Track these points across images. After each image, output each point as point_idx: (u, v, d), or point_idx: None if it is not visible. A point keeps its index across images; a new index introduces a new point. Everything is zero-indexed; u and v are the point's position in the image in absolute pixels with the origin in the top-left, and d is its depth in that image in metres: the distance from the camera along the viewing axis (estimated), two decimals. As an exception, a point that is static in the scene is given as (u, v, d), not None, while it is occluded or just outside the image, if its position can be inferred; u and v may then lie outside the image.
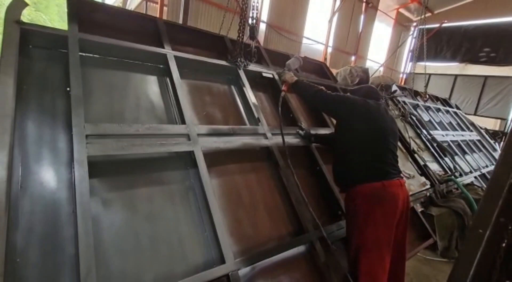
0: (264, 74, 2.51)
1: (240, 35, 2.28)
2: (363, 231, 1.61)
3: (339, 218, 2.02)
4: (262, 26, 7.69)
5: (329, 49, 10.02)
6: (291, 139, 2.16)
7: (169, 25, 2.19)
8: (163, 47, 1.95)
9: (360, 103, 1.77)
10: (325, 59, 9.02)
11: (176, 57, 1.94)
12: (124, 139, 1.36)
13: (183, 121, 1.68)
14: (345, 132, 1.77)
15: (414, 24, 13.04)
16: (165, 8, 6.58)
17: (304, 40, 9.00)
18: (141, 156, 1.43)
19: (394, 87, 4.69)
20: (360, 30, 11.11)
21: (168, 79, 1.91)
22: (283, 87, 2.13)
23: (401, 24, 12.90)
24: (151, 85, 1.84)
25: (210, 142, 1.67)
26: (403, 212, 1.69)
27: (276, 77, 2.58)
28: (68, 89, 1.42)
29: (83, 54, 1.64)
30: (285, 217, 1.79)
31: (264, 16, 7.86)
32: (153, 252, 1.26)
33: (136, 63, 1.85)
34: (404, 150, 3.45)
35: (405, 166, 3.25)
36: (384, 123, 1.76)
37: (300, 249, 1.70)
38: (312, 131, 2.39)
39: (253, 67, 2.45)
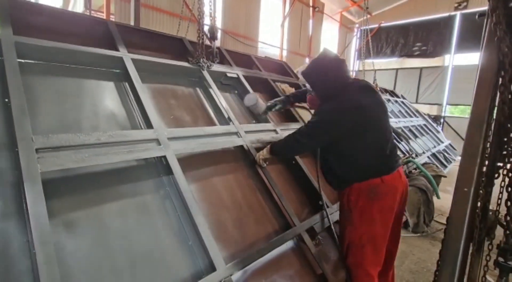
0: (228, 75, 2.46)
1: (200, 35, 2.20)
2: (357, 227, 1.56)
3: (320, 207, 2.03)
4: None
5: (284, 52, 10.36)
6: (264, 136, 2.13)
7: (121, 27, 2.04)
8: (118, 50, 1.79)
9: (347, 111, 1.51)
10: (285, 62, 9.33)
11: (134, 60, 1.79)
12: (84, 150, 1.19)
13: (149, 126, 1.54)
14: (343, 143, 1.57)
15: (357, 25, 14.15)
16: (111, 18, 6.20)
17: (260, 45, 9.17)
18: (106, 166, 1.27)
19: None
20: (310, 33, 11.69)
21: (127, 84, 1.76)
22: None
23: (346, 26, 13.90)
24: (109, 91, 1.67)
25: (182, 145, 1.56)
26: (401, 203, 1.63)
27: (241, 76, 2.55)
28: (6, 100, 1.21)
29: (23, 60, 1.43)
30: (269, 214, 1.73)
31: (219, 23, 7.84)
32: (132, 273, 1.11)
33: (88, 69, 1.67)
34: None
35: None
36: (378, 115, 1.56)
37: (289, 244, 1.66)
38: (284, 127, 2.39)
39: (216, 68, 2.38)
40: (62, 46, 1.51)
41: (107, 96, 1.64)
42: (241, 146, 1.93)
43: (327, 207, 1.99)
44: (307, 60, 11.14)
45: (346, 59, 15.12)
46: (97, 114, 1.51)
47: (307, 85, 1.96)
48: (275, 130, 2.27)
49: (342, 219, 1.71)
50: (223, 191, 1.65)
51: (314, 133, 1.59)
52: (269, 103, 2.32)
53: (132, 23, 5.67)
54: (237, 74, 2.54)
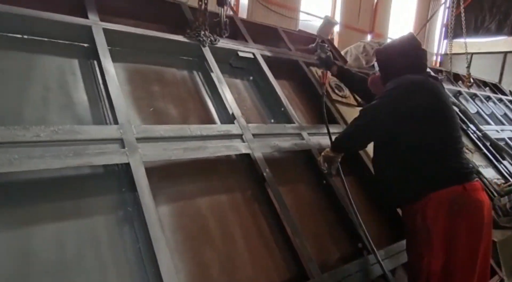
0: (241, 54, 2.38)
1: (203, -3, 2.14)
2: (438, 254, 1.57)
3: (359, 252, 1.85)
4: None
5: (336, 27, 10.10)
6: (282, 142, 2.00)
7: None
8: (87, 18, 1.80)
9: (418, 88, 1.72)
10: (332, 39, 9.06)
11: (106, 31, 1.79)
12: (14, 150, 1.17)
13: (116, 121, 1.51)
14: (406, 139, 1.71)
15: (446, -11, 13.38)
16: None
17: (302, 16, 9.03)
18: (43, 173, 1.24)
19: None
20: (375, 1, 11.26)
21: (96, 62, 1.76)
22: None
23: (429, -9, 13.24)
24: (70, 72, 1.68)
25: (157, 149, 1.50)
26: (488, 226, 1.66)
27: (259, 57, 2.46)
28: None
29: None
30: (276, 255, 1.61)
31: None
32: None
33: (44, 41, 1.70)
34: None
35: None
36: (451, 108, 1.76)
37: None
38: (314, 130, 2.26)
39: (224, 43, 2.32)
40: (11, 11, 1.54)
41: (66, 78, 1.65)
42: (247, 154, 1.83)
43: (370, 252, 1.80)
44: (369, 38, 10.74)
45: (429, 39, 14.37)
46: (48, 103, 1.51)
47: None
48: (299, 135, 2.14)
49: (414, 245, 1.72)
50: (210, 217, 1.56)
51: (378, 109, 1.73)
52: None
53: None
54: (253, 54, 2.45)
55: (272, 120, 2.32)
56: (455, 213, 1.56)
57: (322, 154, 1.98)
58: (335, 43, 9.28)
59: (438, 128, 1.66)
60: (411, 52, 1.85)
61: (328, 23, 2.67)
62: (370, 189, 2.28)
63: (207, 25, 2.22)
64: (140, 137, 1.48)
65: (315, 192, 2.03)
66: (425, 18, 12.92)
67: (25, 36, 1.65)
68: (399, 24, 12.82)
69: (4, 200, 1.15)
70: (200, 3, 2.17)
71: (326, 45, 2.60)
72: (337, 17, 9.98)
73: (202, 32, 2.18)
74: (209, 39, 2.21)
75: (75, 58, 1.74)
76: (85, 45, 1.80)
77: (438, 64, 13.51)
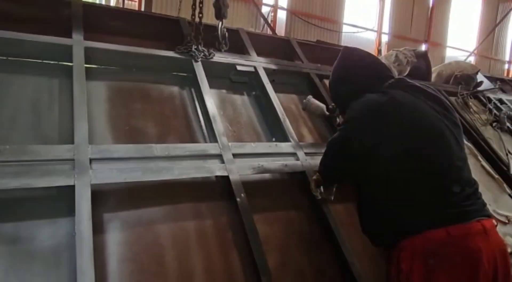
0: (239, 68, 2.25)
1: (198, 5, 2.06)
2: None
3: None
4: (282, 14, 7.62)
5: (385, 37, 9.56)
6: (270, 163, 1.80)
7: (94, 9, 2.12)
8: (71, 37, 1.81)
9: (373, 108, 1.38)
10: (379, 51, 8.53)
11: (87, 49, 1.79)
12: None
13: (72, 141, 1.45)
14: (375, 172, 1.40)
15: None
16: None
17: (345, 28, 8.70)
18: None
19: (479, 77, 4.12)
20: (430, 6, 10.50)
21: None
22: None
23: (496, -7, 12.05)
24: (47, 92, 1.70)
25: (112, 171, 1.41)
26: (495, 280, 1.27)
27: (261, 71, 2.30)
28: None
29: None
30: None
31: (283, 1, 7.82)
32: None
33: (27, 62, 1.75)
34: (496, 175, 2.83)
35: (498, 202, 2.63)
36: (435, 125, 1.36)
37: None
38: (313, 150, 2.02)
39: (221, 58, 2.21)
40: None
41: (41, 99, 1.66)
42: (225, 177, 1.66)
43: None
44: (424, 48, 9.98)
45: (498, 45, 13.03)
46: (15, 122, 1.51)
47: None
48: (294, 154, 1.92)
49: None
50: (168, 247, 1.41)
51: (330, 149, 1.57)
52: (330, 106, 2.11)
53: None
54: (255, 67, 2.30)
55: (274, 139, 2.13)
56: (434, 268, 1.22)
57: (314, 177, 1.74)
58: (383, 54, 8.78)
59: (407, 160, 1.31)
60: (354, 68, 1.56)
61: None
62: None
63: (201, 39, 2.13)
64: (95, 158, 1.41)
65: (307, 220, 1.78)
66: (493, 22, 11.72)
67: (14, 59, 1.71)
68: (460, 31, 11.78)
69: None
70: (193, 17, 2.11)
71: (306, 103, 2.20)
72: (385, 27, 9.46)
73: (194, 47, 2.10)
74: (202, 53, 2.12)
75: (56, 78, 1.76)
76: (67, 64, 1.80)
77: (510, 73, 12.12)
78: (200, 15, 2.10)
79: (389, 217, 1.36)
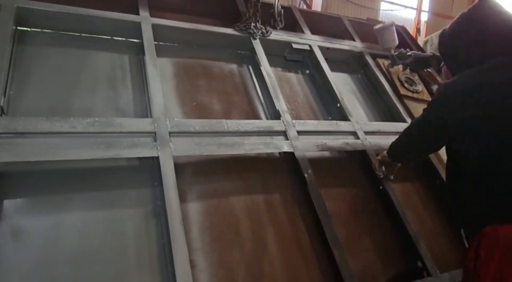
0: (295, 46, 2.25)
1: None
2: None
3: (417, 273, 1.58)
4: (318, -8, 7.42)
5: (424, 16, 9.14)
6: (332, 141, 1.82)
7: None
8: (138, 14, 1.86)
9: (478, 86, 1.28)
10: (418, 30, 8.19)
11: (155, 26, 1.83)
12: (51, 140, 1.24)
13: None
14: (469, 148, 1.32)
15: None
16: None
17: (383, 5, 8.38)
18: (76, 164, 1.30)
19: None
20: (474, -16, 9.91)
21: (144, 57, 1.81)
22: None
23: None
24: (120, 67, 1.75)
25: (190, 144, 1.47)
26: None
27: (316, 49, 2.29)
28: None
29: (27, 28, 1.64)
30: (313, 266, 1.45)
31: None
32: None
33: (101, 39, 1.80)
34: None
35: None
36: None
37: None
38: (373, 129, 2.02)
39: (277, 35, 2.21)
40: (68, 11, 1.66)
41: (115, 74, 1.72)
42: (289, 153, 1.70)
43: (429, 274, 1.52)
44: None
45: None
46: (95, 96, 1.59)
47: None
48: (354, 133, 1.92)
49: None
50: (243, 218, 1.47)
51: (424, 119, 1.44)
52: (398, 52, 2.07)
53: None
54: (310, 46, 2.29)
55: (330, 118, 2.14)
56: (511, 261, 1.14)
57: (378, 157, 1.75)
58: (423, 34, 8.44)
59: (506, 146, 1.22)
60: (490, 22, 1.33)
61: (383, 30, 2.29)
62: (440, 198, 1.96)
63: (259, 16, 2.14)
64: (173, 131, 1.47)
65: (368, 198, 1.80)
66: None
67: (83, 35, 1.77)
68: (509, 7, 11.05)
69: (37, 188, 1.23)
70: (250, -8, 2.11)
71: (403, 50, 2.10)
72: (425, 5, 9.02)
73: (253, 24, 2.11)
74: (260, 31, 2.13)
75: (126, 54, 1.82)
76: (136, 41, 1.86)
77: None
78: (258, -9, 2.10)
79: (477, 200, 1.31)
